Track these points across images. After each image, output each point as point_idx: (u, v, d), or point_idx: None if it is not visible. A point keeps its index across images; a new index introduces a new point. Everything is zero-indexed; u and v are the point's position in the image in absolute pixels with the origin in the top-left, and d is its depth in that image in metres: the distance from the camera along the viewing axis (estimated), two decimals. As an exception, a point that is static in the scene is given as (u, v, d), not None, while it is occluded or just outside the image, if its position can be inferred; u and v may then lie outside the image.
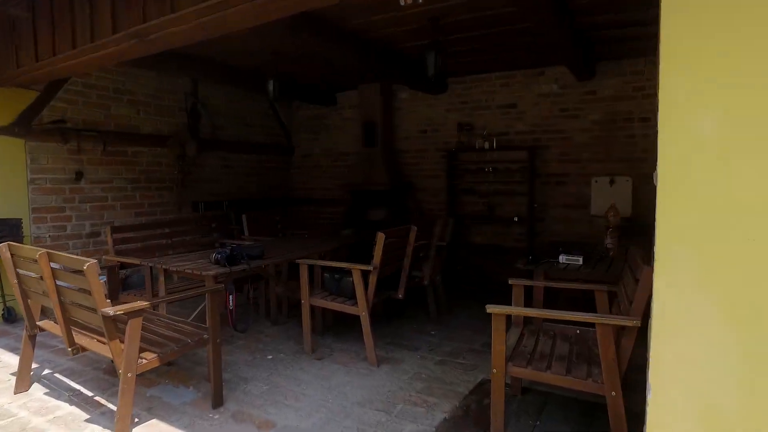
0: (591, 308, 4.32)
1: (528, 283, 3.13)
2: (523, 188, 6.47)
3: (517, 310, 2.43)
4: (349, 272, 3.73)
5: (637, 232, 5.14)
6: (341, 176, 7.94)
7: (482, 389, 3.32)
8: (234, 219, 7.00)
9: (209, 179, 7.06)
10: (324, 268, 4.08)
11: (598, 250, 4.08)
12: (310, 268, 4.06)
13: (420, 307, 5.15)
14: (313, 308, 4.03)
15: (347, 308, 3.75)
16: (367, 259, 3.76)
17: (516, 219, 6.41)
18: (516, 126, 6.52)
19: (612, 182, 5.96)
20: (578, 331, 3.20)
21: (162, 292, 3.43)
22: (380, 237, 3.64)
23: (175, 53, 5.42)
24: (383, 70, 5.67)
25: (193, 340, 2.74)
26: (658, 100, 1.64)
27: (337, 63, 5.54)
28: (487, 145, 6.49)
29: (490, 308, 2.44)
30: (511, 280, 3.09)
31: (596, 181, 6.06)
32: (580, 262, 3.33)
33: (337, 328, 4.54)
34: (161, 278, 3.39)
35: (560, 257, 3.38)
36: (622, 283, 2.73)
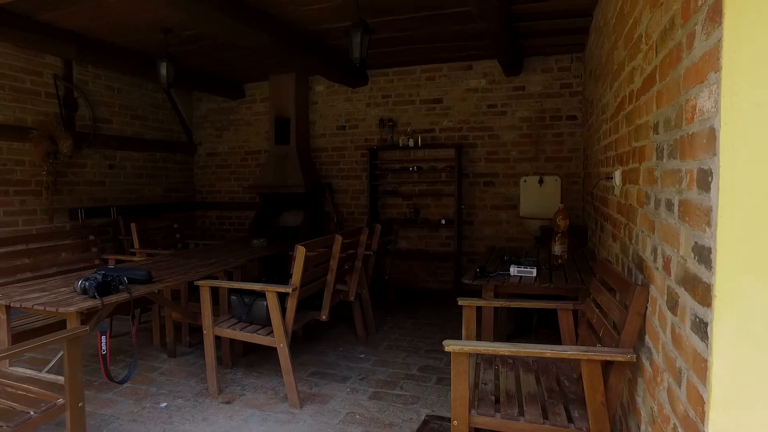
0: (548, 324, 3.98)
1: (481, 303, 2.64)
2: (450, 189, 6.09)
3: (484, 347, 1.92)
4: (262, 294, 3.04)
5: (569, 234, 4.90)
6: (251, 177, 7.13)
7: (429, 429, 2.79)
8: (124, 228, 5.98)
9: (92, 182, 5.96)
10: (232, 289, 3.35)
11: (540, 258, 3.72)
12: (215, 289, 3.32)
13: (346, 325, 4.55)
14: (219, 337, 3.30)
15: (261, 339, 3.06)
16: (283, 275, 3.11)
17: (443, 222, 6.01)
18: (441, 122, 6.12)
19: (541, 182, 5.74)
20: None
21: (3, 338, 2.51)
22: (300, 252, 2.99)
23: (39, 23, 4.38)
24: (297, 56, 4.99)
25: (39, 411, 1.94)
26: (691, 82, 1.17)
27: (241, 45, 4.79)
28: (411, 143, 6.02)
29: (449, 346, 1.89)
30: (460, 301, 2.58)
31: (525, 181, 5.80)
32: (534, 274, 2.93)
33: (250, 358, 3.82)
34: (2, 317, 2.48)
35: (511, 269, 2.96)
36: (594, 301, 2.32)
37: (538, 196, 5.74)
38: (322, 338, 4.31)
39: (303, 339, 4.27)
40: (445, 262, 6.13)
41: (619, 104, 2.68)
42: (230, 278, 3.79)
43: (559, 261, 3.30)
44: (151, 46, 5.02)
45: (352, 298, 4.04)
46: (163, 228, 5.47)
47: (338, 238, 3.48)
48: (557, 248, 3.29)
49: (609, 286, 2.22)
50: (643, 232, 2.02)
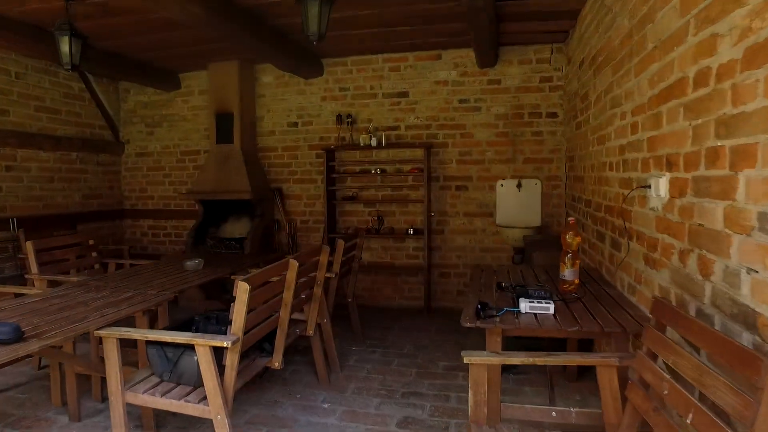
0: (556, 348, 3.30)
1: (496, 361, 1.93)
2: (418, 194, 5.40)
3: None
4: (191, 346, 2.23)
5: (549, 245, 4.33)
6: (189, 181, 6.19)
7: None
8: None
9: (-18, 186, 4.89)
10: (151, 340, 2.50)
11: (542, 283, 3.09)
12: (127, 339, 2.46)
13: (304, 361, 3.78)
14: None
15: (191, 408, 2.25)
16: (229, 302, 2.31)
17: (411, 231, 5.31)
18: (408, 119, 5.43)
19: (520, 186, 5.15)
20: (554, 414, 2.12)
21: None
22: (242, 289, 2.20)
23: None
24: (239, 36, 4.15)
25: None
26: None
27: (167, 18, 3.91)
28: (373, 142, 5.29)
29: None
30: (467, 358, 1.87)
31: (502, 185, 5.20)
32: (551, 311, 2.28)
33: (176, 421, 2.97)
34: None
35: (521, 304, 2.29)
36: (650, 356, 1.66)
37: (517, 202, 5.15)
38: (275, 381, 3.51)
39: (250, 383, 3.45)
40: (414, 276, 5.45)
41: (666, 91, 2.05)
42: (152, 319, 2.93)
43: (571, 288, 2.66)
44: (53, 19, 4.03)
45: (311, 332, 3.27)
46: (77, 245, 4.49)
47: (293, 264, 2.71)
48: (568, 272, 2.65)
49: (692, 344, 1.57)
50: (752, 271, 1.38)
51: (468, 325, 2.18)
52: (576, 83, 4.28)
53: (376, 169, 5.41)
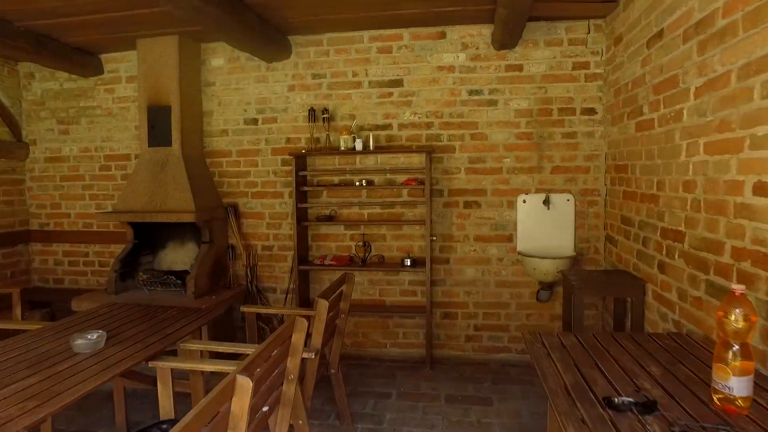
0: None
1: None
2: (415, 213, 4.18)
3: None
4: None
5: (597, 283, 3.22)
6: (117, 194, 4.79)
7: None
8: None
9: None
10: None
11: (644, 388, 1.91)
12: None
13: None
14: None
15: None
16: None
17: (407, 261, 4.07)
18: (402, 115, 4.20)
19: (547, 202, 3.99)
20: None
21: None
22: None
23: None
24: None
25: None
26: None
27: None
28: (358, 145, 4.04)
29: None
30: None
31: (524, 201, 4.03)
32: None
33: None
34: None
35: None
36: None
37: (544, 223, 4.00)
38: None
39: None
40: (410, 317, 4.23)
41: None
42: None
43: (742, 408, 1.50)
44: None
45: (278, 457, 2.00)
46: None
47: (243, 387, 1.43)
48: (736, 382, 1.49)
49: None
50: None
51: None
52: (637, 67, 3.14)
53: (360, 181, 4.16)
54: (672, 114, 2.66)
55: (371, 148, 4.04)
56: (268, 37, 3.94)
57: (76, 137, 4.91)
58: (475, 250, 4.14)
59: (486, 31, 3.99)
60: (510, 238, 4.07)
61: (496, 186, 4.07)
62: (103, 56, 4.73)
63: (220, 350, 2.56)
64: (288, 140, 4.37)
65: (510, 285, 4.09)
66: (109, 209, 4.79)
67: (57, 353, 2.30)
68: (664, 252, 2.78)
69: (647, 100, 3.00)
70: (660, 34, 2.80)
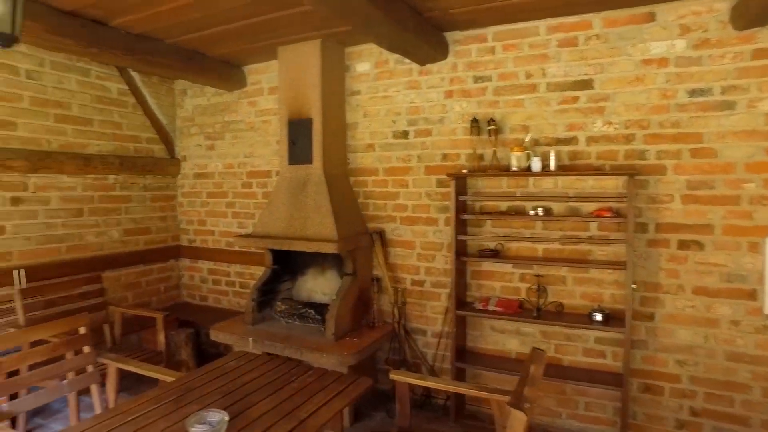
0: None
1: None
2: (608, 252, 3.22)
3: None
4: None
5: None
6: (258, 213, 4.53)
7: None
8: (25, 306, 3.51)
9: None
10: None
11: None
12: None
13: None
14: None
15: None
16: None
17: (596, 314, 3.13)
18: (592, 125, 3.25)
19: (815, 247, 2.77)
20: None
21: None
22: None
23: None
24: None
25: None
26: None
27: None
28: (534, 164, 3.20)
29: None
30: None
31: (775, 244, 2.86)
32: None
33: None
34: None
35: None
36: None
37: (808, 276, 2.79)
38: None
39: None
40: (597, 385, 3.27)
41: None
42: None
43: None
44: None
45: None
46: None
47: None
48: None
49: None
50: None
51: None
52: None
53: (535, 209, 3.31)
54: None
55: (551, 168, 3.17)
56: (424, 34, 3.27)
57: (221, 152, 4.73)
58: (693, 307, 3.05)
59: (721, 4, 2.89)
60: (752, 295, 2.92)
61: (731, 221, 2.95)
62: (246, 68, 4.47)
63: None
64: (444, 156, 3.66)
65: (752, 361, 2.94)
66: (250, 229, 4.54)
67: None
68: None
69: None
70: None
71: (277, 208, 3.82)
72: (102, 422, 2.04)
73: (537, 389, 2.05)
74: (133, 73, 4.48)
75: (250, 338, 3.57)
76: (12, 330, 3.44)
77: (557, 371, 3.32)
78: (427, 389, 3.68)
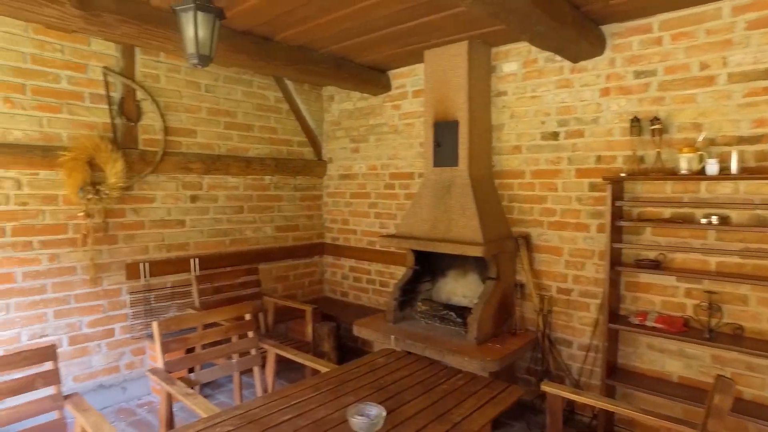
0: None
1: None
2: (803, 268, 2.77)
3: None
4: None
5: None
6: (399, 214, 4.64)
7: None
8: (199, 291, 3.97)
9: (163, 222, 4.04)
10: None
11: None
12: None
13: None
14: None
15: None
16: None
17: (785, 339, 2.70)
18: (784, 122, 2.82)
19: None
20: None
21: None
22: None
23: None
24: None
25: None
26: None
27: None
28: (709, 167, 2.85)
29: None
30: None
31: None
32: None
33: None
34: None
35: None
36: None
37: None
38: None
39: None
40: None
41: None
42: None
43: None
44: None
45: None
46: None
47: None
48: None
49: None
50: None
51: None
52: None
53: (707, 217, 2.95)
54: None
55: (732, 171, 2.80)
56: (581, 29, 3.08)
57: (365, 155, 4.92)
58: None
59: None
60: None
61: None
62: (391, 72, 4.60)
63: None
64: (598, 159, 3.43)
65: None
66: (392, 229, 4.66)
67: (332, 426, 1.97)
68: None
69: None
70: None
71: (421, 209, 3.87)
72: (269, 403, 2.23)
73: (722, 423, 1.82)
74: (288, 82, 4.85)
75: (392, 336, 3.66)
76: (190, 311, 3.92)
77: (736, 405, 2.92)
78: (570, 403, 3.48)
